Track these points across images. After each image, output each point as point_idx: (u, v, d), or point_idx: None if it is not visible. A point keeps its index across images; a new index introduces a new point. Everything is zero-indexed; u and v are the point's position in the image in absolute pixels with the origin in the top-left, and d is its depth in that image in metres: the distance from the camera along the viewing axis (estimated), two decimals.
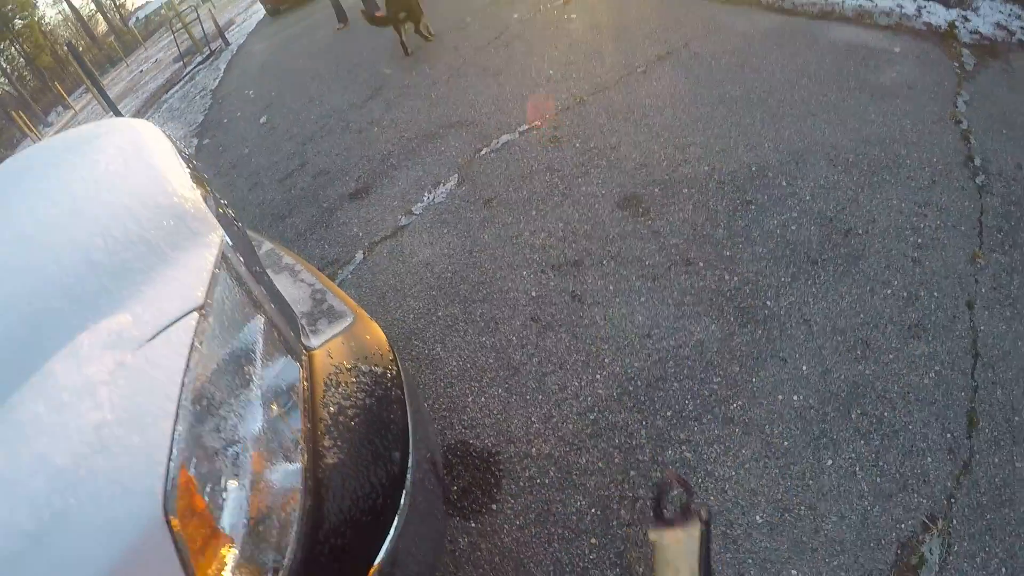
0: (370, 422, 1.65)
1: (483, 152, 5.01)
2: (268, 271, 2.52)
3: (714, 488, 2.47)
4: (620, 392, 2.91)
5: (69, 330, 1.21)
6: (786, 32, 5.51)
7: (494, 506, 2.64)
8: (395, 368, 1.89)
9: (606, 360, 3.07)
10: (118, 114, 12.70)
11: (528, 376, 3.11)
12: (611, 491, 2.55)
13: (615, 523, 2.45)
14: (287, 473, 1.38)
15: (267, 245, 2.85)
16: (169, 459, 1.04)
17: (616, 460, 2.67)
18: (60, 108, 40.55)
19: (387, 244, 4.46)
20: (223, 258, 1.48)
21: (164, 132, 2.47)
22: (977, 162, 3.82)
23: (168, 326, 1.22)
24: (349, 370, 1.81)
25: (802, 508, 2.35)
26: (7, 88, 45.17)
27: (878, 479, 2.40)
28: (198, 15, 17.72)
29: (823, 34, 5.36)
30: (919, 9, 5.67)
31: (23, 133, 30.37)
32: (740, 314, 3.11)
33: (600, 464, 2.68)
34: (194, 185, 1.71)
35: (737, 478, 2.49)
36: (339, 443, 1.54)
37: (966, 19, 5.50)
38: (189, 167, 1.97)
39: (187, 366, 1.16)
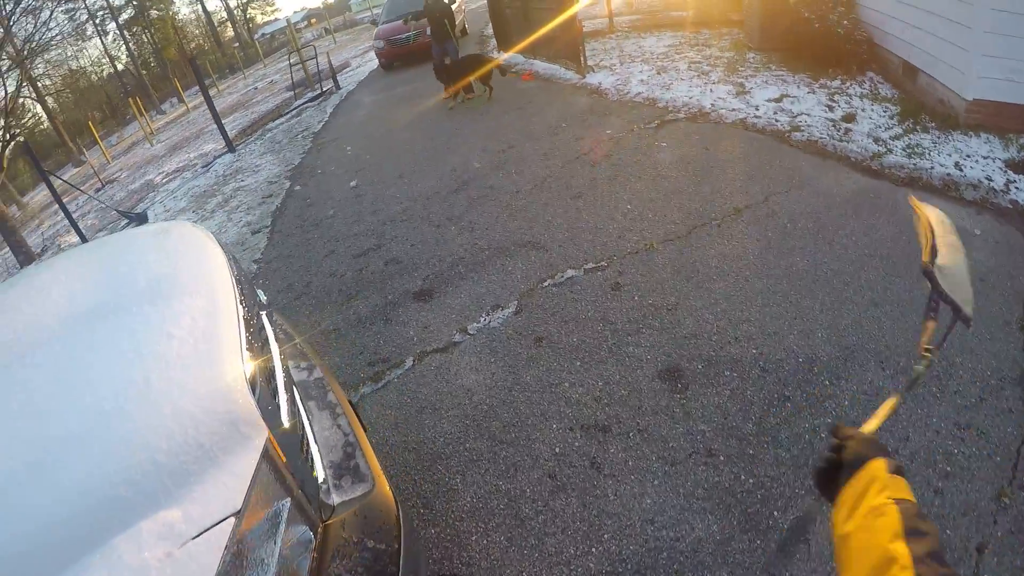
0: None
1: (546, 284, 5.15)
2: (313, 403, 2.69)
3: None
4: (609, 572, 2.96)
5: (135, 516, 1.41)
6: (868, 199, 5.49)
7: None
8: (398, 544, 2.08)
9: (605, 536, 3.12)
10: (221, 128, 13.26)
11: (531, 531, 3.20)
12: None
13: None
14: None
15: (318, 372, 2.99)
16: None
17: None
18: (175, 100, 42.60)
19: (437, 358, 4.63)
20: (264, 453, 1.70)
21: (225, 251, 2.77)
22: None
23: (208, 528, 1.43)
24: (356, 544, 2.01)
25: None
26: (132, 70, 47.59)
27: None
28: (315, 52, 18.49)
29: (905, 205, 5.27)
30: (1008, 184, 5.53)
31: (135, 115, 31.85)
32: (745, 519, 3.10)
33: None
34: (250, 356, 1.97)
35: None
36: None
37: None
38: (245, 305, 2.26)
39: (219, 567, 1.38)
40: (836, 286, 4.53)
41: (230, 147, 13.55)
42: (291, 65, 18.27)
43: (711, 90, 8.70)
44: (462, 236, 6.27)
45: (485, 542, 3.18)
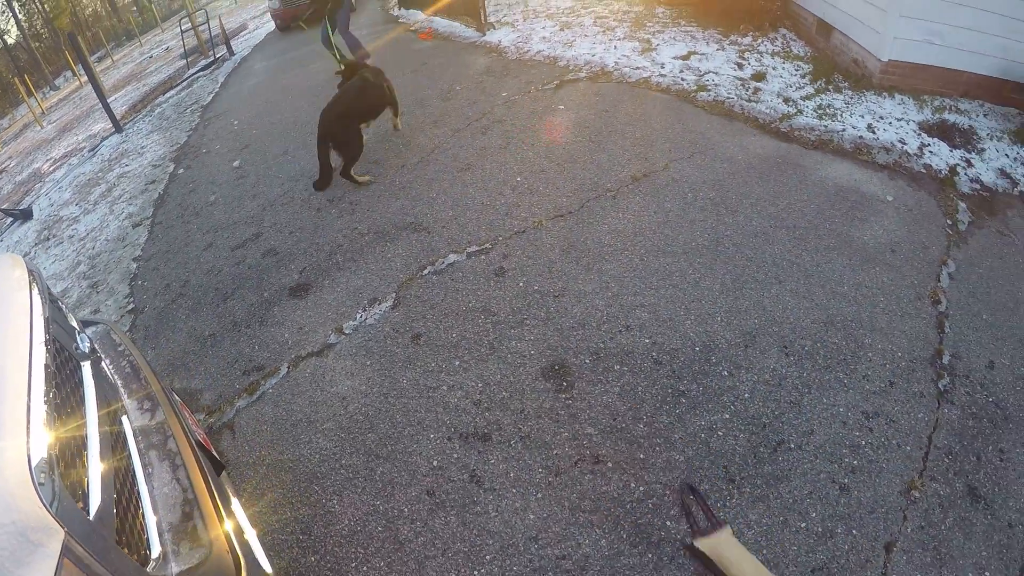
0: None
1: (426, 271, 4.72)
2: (154, 452, 2.33)
3: None
4: None
5: None
6: (776, 163, 5.21)
7: None
8: None
9: (487, 557, 2.86)
10: (107, 109, 12.43)
11: (410, 555, 2.94)
12: None
13: None
14: None
15: (160, 415, 2.57)
16: None
17: None
18: (69, 73, 40.18)
19: (312, 362, 4.23)
20: (65, 555, 1.39)
21: (40, 293, 2.34)
22: (945, 359, 3.56)
23: None
24: None
25: None
26: (22, 44, 44.59)
27: None
28: (207, 16, 17.42)
29: (815, 170, 5.04)
30: (922, 148, 5.39)
31: (22, 97, 30.06)
32: (635, 531, 2.86)
33: None
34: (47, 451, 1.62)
35: None
36: None
37: (969, 163, 5.23)
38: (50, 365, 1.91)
39: None
40: (738, 263, 4.24)
41: (117, 127, 12.67)
42: (182, 31, 17.15)
43: (615, 47, 8.28)
44: (342, 219, 5.76)
45: (365, 569, 2.92)
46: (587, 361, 3.70)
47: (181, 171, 8.66)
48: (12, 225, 9.83)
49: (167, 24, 44.04)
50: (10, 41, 43.68)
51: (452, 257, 4.79)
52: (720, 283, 4.07)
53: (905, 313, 3.79)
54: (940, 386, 3.43)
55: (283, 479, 3.51)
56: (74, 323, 2.75)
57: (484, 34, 10.08)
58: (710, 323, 3.82)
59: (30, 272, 2.63)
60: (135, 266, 6.33)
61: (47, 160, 15.40)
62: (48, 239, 8.12)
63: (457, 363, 3.89)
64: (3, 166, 20.26)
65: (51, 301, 2.72)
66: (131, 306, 5.60)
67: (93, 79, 12.31)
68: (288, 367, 4.28)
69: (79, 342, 2.42)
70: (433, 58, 9.79)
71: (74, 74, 35.74)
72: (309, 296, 4.87)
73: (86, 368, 2.33)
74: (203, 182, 7.88)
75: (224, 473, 2.88)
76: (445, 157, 6.36)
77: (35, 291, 2.39)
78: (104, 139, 12.73)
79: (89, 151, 12.49)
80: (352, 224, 5.61)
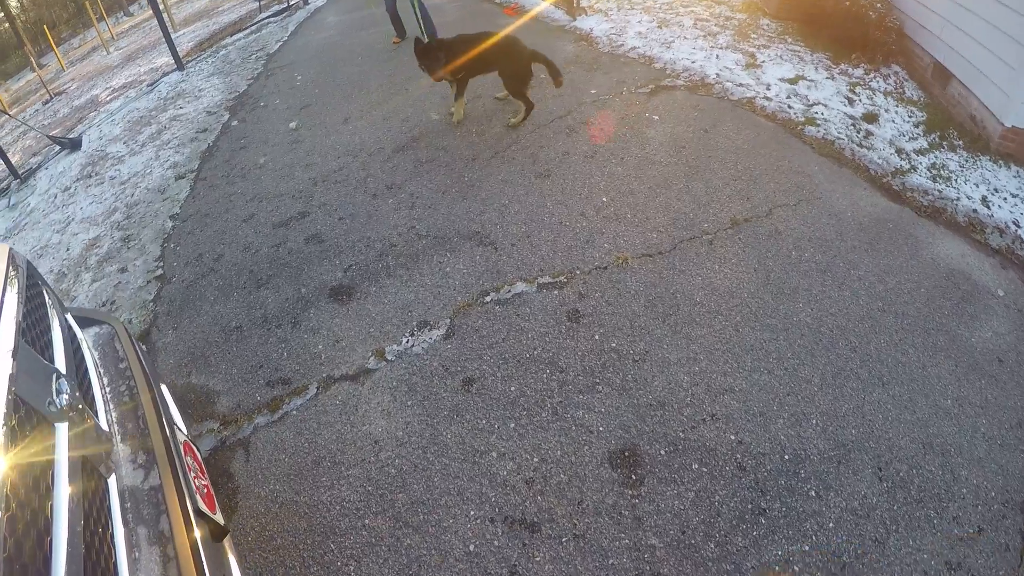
0: None
1: (489, 299, 4.11)
2: (144, 530, 1.86)
3: None
4: None
5: None
6: (886, 229, 4.52)
7: None
8: None
9: None
10: (171, 45, 12.05)
11: None
12: None
13: None
14: None
15: (154, 477, 2.04)
16: None
17: None
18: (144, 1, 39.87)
19: (345, 388, 3.69)
20: None
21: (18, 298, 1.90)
22: None
23: None
24: None
25: None
26: None
27: None
28: None
29: (927, 244, 4.37)
30: None
31: (91, 21, 29.88)
32: None
33: None
34: None
35: None
36: None
37: None
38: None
39: None
40: (841, 352, 3.60)
41: (179, 65, 12.27)
42: None
43: (717, 56, 7.49)
44: (399, 214, 5.15)
45: None
46: (663, 453, 3.09)
47: (235, 123, 8.16)
48: (59, 153, 9.54)
49: None
50: None
51: (520, 286, 4.16)
52: (820, 376, 3.42)
53: (1004, 443, 3.19)
54: None
55: (296, 526, 3.04)
56: (60, 346, 2.17)
57: (575, 19, 9.33)
58: (804, 426, 3.20)
59: (9, 272, 2.06)
60: (170, 225, 5.88)
61: (106, 88, 15.10)
62: (90, 176, 7.72)
63: (512, 426, 3.29)
64: (64, 87, 20.09)
65: (36, 308, 2.17)
66: (159, 271, 5.17)
67: (158, 14, 11.87)
68: (318, 388, 3.75)
69: (55, 392, 1.80)
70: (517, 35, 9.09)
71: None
72: (352, 302, 4.30)
73: (61, 430, 1.73)
74: (255, 140, 7.35)
75: (227, 538, 2.32)
76: (522, 156, 5.68)
77: (6, 305, 1.83)
78: (165, 75, 12.39)
79: (148, 86, 12.17)
80: (410, 222, 5.00)
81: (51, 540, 1.39)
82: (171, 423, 2.45)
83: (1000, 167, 5.34)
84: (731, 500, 2.92)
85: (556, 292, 4.08)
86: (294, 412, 3.63)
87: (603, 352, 3.63)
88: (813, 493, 2.94)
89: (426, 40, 6.16)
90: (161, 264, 5.31)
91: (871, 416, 3.26)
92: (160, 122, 9.26)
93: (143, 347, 3.60)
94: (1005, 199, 4.97)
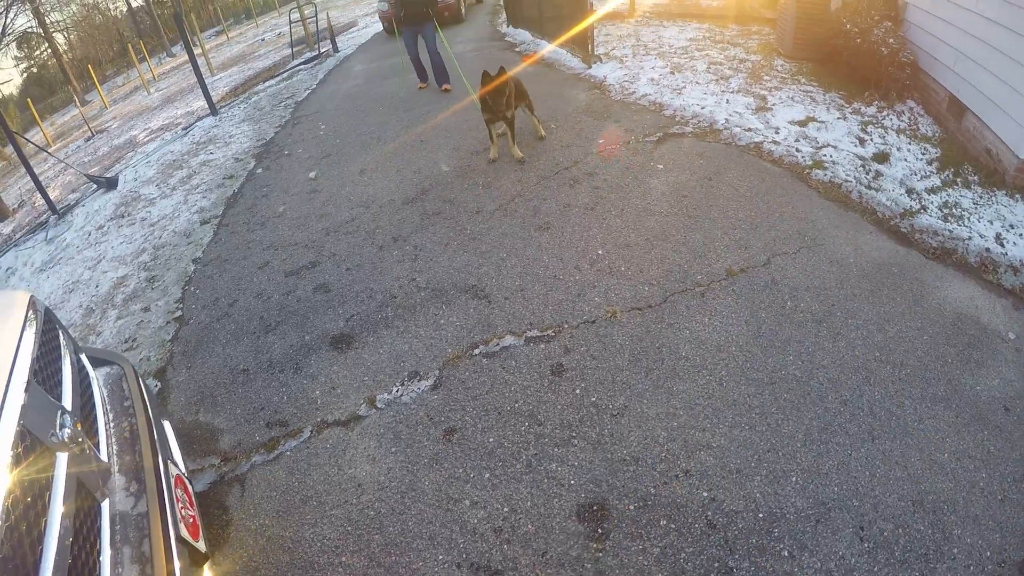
0: None
1: (477, 351, 4.24)
2: (128, 550, 2.09)
3: None
4: None
5: None
6: (891, 274, 4.52)
7: None
8: None
9: None
10: (205, 91, 12.58)
11: None
12: None
13: None
14: None
15: (143, 504, 2.29)
16: None
17: None
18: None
19: (336, 432, 3.85)
20: None
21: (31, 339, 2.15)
22: None
23: None
24: None
25: None
26: (146, 8, 45.70)
27: None
28: (316, 9, 17.44)
29: (933, 289, 4.36)
30: None
31: (134, 62, 30.83)
32: None
33: None
34: None
35: None
36: None
37: None
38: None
39: None
40: (830, 406, 3.60)
41: (213, 110, 12.78)
42: (291, 22, 17.19)
43: (728, 101, 7.61)
44: (402, 265, 5.35)
45: None
46: (631, 508, 3.16)
47: (260, 171, 8.49)
48: (96, 191, 9.93)
49: (285, 8, 44.97)
50: (135, 3, 45.06)
51: (509, 340, 4.30)
52: (805, 431, 3.45)
53: (1005, 498, 3.11)
54: None
55: (279, 559, 3.17)
56: (68, 384, 2.41)
57: (590, 67, 9.56)
58: (783, 483, 3.22)
59: (29, 316, 2.32)
60: (193, 268, 6.16)
61: (145, 129, 15.67)
62: (123, 216, 8.08)
63: (487, 476, 3.41)
64: (107, 125, 20.80)
65: (51, 349, 2.41)
66: (179, 313, 5.43)
67: (194, 62, 12.35)
68: (312, 431, 3.91)
69: (59, 426, 2.03)
70: (533, 86, 9.15)
71: (193, 44, 36.63)
72: (350, 351, 4.48)
73: (61, 459, 1.96)
74: (277, 188, 7.65)
75: (208, 564, 2.52)
76: (525, 209, 5.87)
77: (23, 346, 2.10)
78: (199, 119, 12.88)
79: (183, 129, 12.66)
80: (411, 273, 5.19)
81: (42, 549, 1.62)
82: (167, 458, 2.67)
83: (1017, 201, 5.27)
84: (697, 558, 2.93)
85: (543, 346, 4.20)
86: (288, 453, 3.79)
87: (582, 406, 3.73)
88: (786, 553, 2.92)
89: (494, 73, 6.43)
90: (181, 306, 5.56)
91: (857, 473, 3.24)
92: (191, 166, 9.64)
93: (150, 385, 3.82)
94: (1020, 235, 4.89)
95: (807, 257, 4.75)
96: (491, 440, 3.62)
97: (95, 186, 10.66)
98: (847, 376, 3.76)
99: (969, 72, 6.19)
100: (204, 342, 4.98)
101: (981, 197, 5.44)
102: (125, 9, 44.92)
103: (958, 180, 5.69)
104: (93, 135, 18.86)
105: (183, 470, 2.87)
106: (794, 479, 3.23)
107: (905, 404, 3.57)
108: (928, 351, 3.91)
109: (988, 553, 2.88)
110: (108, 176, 10.83)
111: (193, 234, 6.97)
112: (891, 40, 7.21)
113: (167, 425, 3.18)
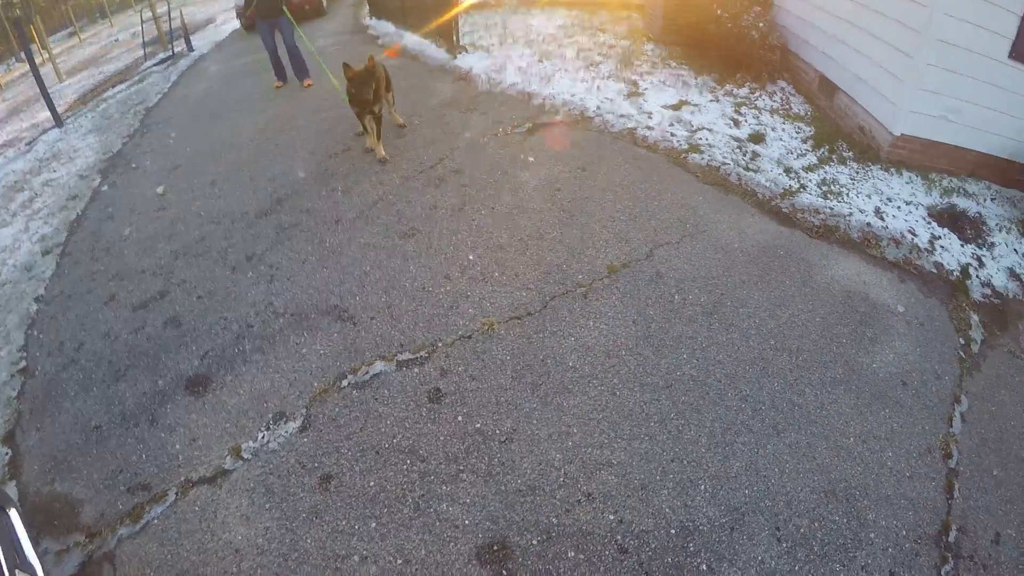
0: None
1: (346, 383, 3.88)
2: None
3: None
4: None
5: None
6: (777, 256, 4.45)
7: None
8: None
9: None
10: (49, 102, 11.59)
11: None
12: None
13: None
14: None
15: None
16: None
17: None
18: (35, 46, 38.17)
19: (204, 492, 3.44)
20: None
21: None
22: (952, 535, 2.95)
23: None
24: None
25: None
26: None
27: None
28: (169, 5, 16.34)
29: (820, 268, 4.32)
30: (932, 241, 4.81)
31: None
32: None
33: None
34: None
35: None
36: None
37: (980, 262, 4.68)
38: None
39: None
40: (731, 403, 3.47)
41: (58, 122, 11.76)
42: (142, 21, 16.06)
43: (599, 87, 7.42)
44: (257, 288, 4.89)
45: None
46: (534, 543, 2.92)
47: (105, 188, 7.77)
48: None
49: (141, 5, 42.44)
50: None
51: (379, 366, 3.95)
52: (708, 434, 3.30)
53: (914, 473, 3.15)
54: (943, 573, 2.81)
55: None
56: None
57: (455, 57, 9.18)
58: (691, 494, 3.07)
59: None
60: (35, 308, 5.48)
61: None
62: None
63: (374, 525, 3.09)
64: None
65: None
66: (23, 363, 4.80)
67: (35, 71, 11.39)
68: (176, 493, 3.48)
69: None
70: (397, 80, 8.69)
71: (42, 47, 33.85)
72: (208, 394, 4.04)
73: None
74: (123, 207, 6.99)
75: None
76: (388, 214, 5.49)
77: None
78: (44, 131, 11.90)
79: (26, 144, 11.67)
80: (268, 297, 4.75)
81: None
82: (14, 566, 2.40)
83: (892, 175, 5.42)
84: None
85: (416, 370, 3.88)
86: (155, 521, 3.36)
87: (467, 435, 3.44)
88: (704, 567, 2.80)
89: (358, 66, 5.92)
90: (25, 355, 4.92)
91: (765, 471, 3.14)
92: (33, 188, 8.78)
93: None
94: (899, 207, 5.01)
95: (691, 246, 4.61)
96: (372, 484, 3.29)
97: None
98: (744, 369, 3.64)
99: (839, 53, 6.32)
100: (52, 396, 4.41)
101: (857, 173, 5.55)
102: None
103: (834, 157, 5.79)
104: None
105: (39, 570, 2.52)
106: (703, 487, 3.09)
107: (806, 392, 3.50)
108: (822, 333, 3.86)
109: (904, 532, 2.89)
110: None
111: (35, 267, 6.25)
112: (761, 24, 7.29)
113: (14, 516, 2.85)
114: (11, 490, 3.74)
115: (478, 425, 3.48)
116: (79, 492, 3.65)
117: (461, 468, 3.28)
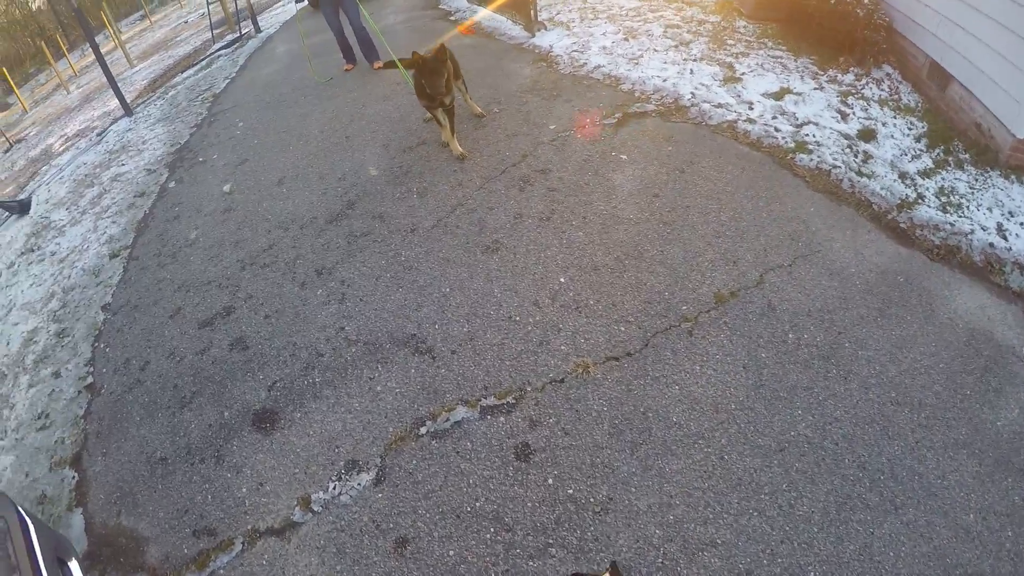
0: None
1: (424, 430, 3.51)
2: None
3: None
4: None
5: None
6: (897, 285, 3.89)
7: None
8: None
9: None
10: (117, 91, 11.60)
11: None
12: None
13: None
14: None
15: None
16: None
17: None
18: (108, 32, 38.89)
19: (272, 544, 3.19)
20: None
21: None
22: None
23: None
24: None
25: None
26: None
27: None
28: None
29: (942, 298, 3.76)
30: None
31: (52, 59, 29.05)
32: None
33: None
34: None
35: None
36: None
37: None
38: None
39: None
40: (847, 472, 2.98)
41: (127, 111, 11.73)
42: (208, 2, 15.93)
43: (691, 70, 6.80)
44: (328, 308, 4.56)
45: None
46: None
47: (172, 184, 7.60)
48: (8, 220, 8.95)
49: None
50: None
51: (461, 411, 3.56)
52: (821, 510, 2.83)
53: None
54: None
55: None
56: None
57: (533, 35, 8.62)
58: None
59: None
60: (102, 318, 5.35)
61: (61, 136, 14.59)
62: (32, 250, 7.19)
63: None
64: (25, 133, 19.49)
65: None
66: (90, 379, 4.67)
67: (102, 61, 11.32)
68: (244, 543, 3.24)
69: None
70: (471, 61, 8.22)
71: (114, 33, 34.34)
72: (276, 432, 3.75)
73: None
74: (189, 207, 6.78)
75: None
76: (468, 223, 5.04)
77: None
78: (114, 121, 11.91)
79: (97, 135, 11.70)
80: (339, 320, 4.41)
81: None
82: None
83: (1012, 183, 4.71)
84: None
85: (502, 419, 3.47)
86: (221, 572, 3.14)
87: (557, 502, 3.04)
88: None
89: (426, 53, 5.44)
90: (91, 370, 4.77)
91: (880, 556, 2.67)
92: (102, 182, 8.72)
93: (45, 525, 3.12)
94: (1022, 224, 4.35)
95: (804, 270, 4.06)
96: (452, 553, 2.95)
97: (7, 213, 9.71)
98: (863, 430, 3.14)
99: (954, 38, 5.50)
100: (118, 419, 4.24)
101: (976, 180, 4.84)
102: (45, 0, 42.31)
103: (950, 160, 5.07)
104: (11, 146, 17.52)
105: None
106: (812, 574, 2.61)
107: (927, 457, 2.99)
108: (946, 384, 3.32)
109: None
110: (21, 199, 9.82)
111: (102, 272, 6.11)
112: (866, 0, 6.50)
113: (75, 567, 2.77)
114: (76, 519, 3.62)
115: (571, 491, 3.07)
116: (145, 529, 3.46)
117: (550, 541, 2.88)
